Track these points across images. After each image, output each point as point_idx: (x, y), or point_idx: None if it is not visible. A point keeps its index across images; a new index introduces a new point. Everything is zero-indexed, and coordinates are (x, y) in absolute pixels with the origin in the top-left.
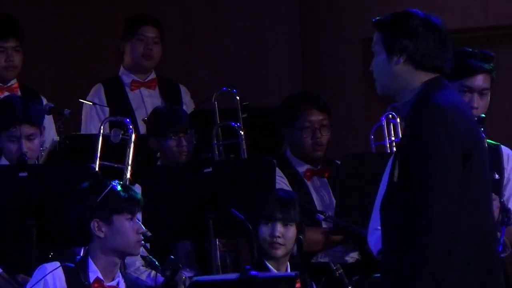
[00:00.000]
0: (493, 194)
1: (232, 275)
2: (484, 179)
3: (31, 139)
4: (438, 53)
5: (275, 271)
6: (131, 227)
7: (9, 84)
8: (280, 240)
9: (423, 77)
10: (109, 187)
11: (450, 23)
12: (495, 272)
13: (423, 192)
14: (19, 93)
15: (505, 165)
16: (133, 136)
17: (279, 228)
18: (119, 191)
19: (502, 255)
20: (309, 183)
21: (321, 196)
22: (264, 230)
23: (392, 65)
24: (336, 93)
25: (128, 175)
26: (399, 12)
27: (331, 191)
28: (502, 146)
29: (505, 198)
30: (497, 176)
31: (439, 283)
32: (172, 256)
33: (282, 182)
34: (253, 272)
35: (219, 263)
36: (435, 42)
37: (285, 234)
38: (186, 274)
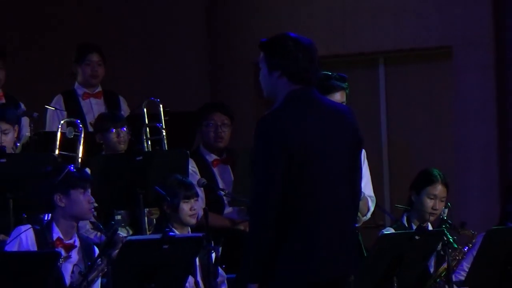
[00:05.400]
0: None
1: (156, 235)
2: (326, 169)
3: (6, 133)
4: (306, 68)
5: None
6: (84, 199)
7: None
8: (195, 212)
9: (292, 87)
10: (66, 170)
11: None
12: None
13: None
14: (3, 100)
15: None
16: (82, 133)
17: (194, 202)
18: (74, 172)
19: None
20: (215, 169)
21: (225, 179)
22: (185, 206)
23: (271, 78)
24: (237, 102)
25: (79, 161)
26: (276, 35)
27: (232, 175)
28: None
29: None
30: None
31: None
32: (113, 222)
33: (193, 173)
34: (171, 233)
35: (147, 226)
36: (304, 59)
37: (197, 206)
38: (122, 234)
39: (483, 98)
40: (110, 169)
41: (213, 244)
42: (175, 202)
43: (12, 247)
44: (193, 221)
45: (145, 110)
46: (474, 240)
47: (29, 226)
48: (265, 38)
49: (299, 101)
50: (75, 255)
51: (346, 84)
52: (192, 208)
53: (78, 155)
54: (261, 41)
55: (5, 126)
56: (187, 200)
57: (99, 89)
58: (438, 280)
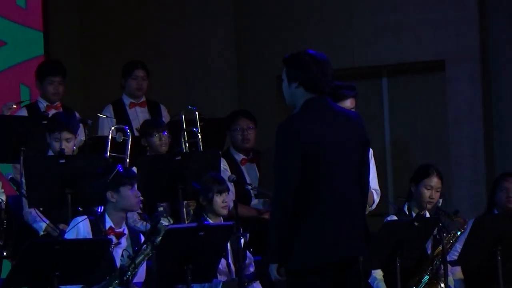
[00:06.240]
0: None
1: (193, 224)
2: (337, 164)
3: (68, 141)
4: (320, 79)
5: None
6: (132, 193)
7: (54, 104)
8: (226, 204)
9: (308, 96)
10: (116, 170)
11: None
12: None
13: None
14: (61, 110)
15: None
16: (130, 137)
17: (225, 195)
18: (122, 171)
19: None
20: (243, 167)
21: (251, 175)
22: (218, 199)
23: (290, 88)
24: (261, 110)
25: (128, 161)
26: (296, 51)
27: (257, 171)
28: None
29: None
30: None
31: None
32: (156, 213)
33: (225, 170)
34: (206, 222)
35: (185, 216)
36: (318, 72)
37: (228, 199)
38: (165, 223)
39: (471, 104)
40: (154, 168)
41: (242, 231)
42: (209, 195)
43: (71, 235)
44: (225, 211)
45: (183, 117)
46: (465, 226)
47: (85, 217)
48: (287, 54)
49: (313, 107)
50: (124, 241)
51: (355, 92)
52: (224, 201)
53: (126, 156)
54: (284, 57)
55: (68, 135)
56: (219, 194)
57: (143, 99)
58: (434, 260)
